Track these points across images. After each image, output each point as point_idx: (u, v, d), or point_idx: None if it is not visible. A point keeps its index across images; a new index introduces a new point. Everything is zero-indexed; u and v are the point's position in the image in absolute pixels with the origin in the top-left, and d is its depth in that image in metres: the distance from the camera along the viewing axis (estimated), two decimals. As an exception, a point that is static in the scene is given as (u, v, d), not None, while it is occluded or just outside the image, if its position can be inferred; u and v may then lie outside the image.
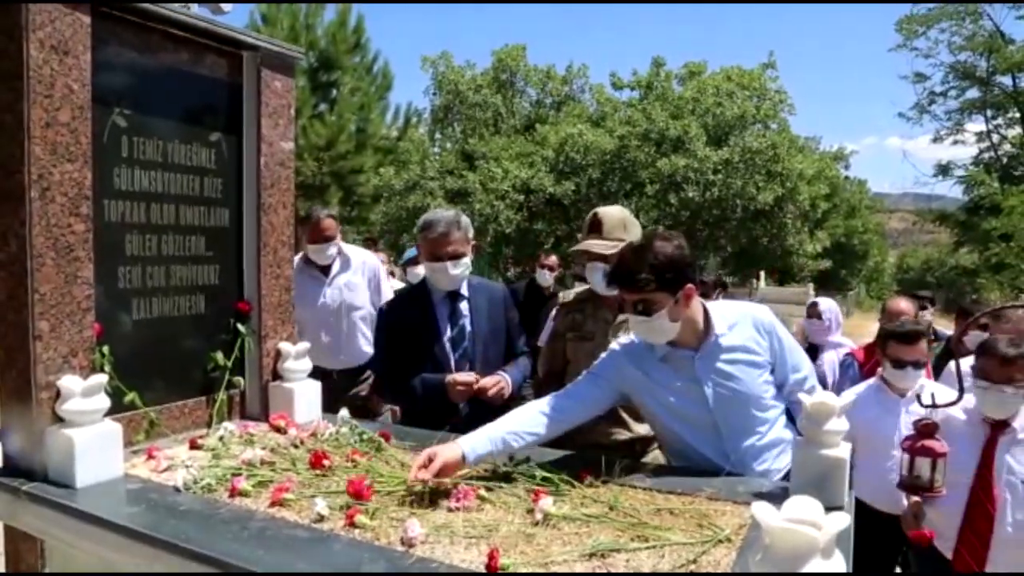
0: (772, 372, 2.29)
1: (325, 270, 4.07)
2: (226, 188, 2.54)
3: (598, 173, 15.71)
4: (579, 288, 2.88)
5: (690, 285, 2.17)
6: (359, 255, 4.28)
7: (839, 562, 1.14)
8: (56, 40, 1.92)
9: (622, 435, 2.60)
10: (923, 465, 2.54)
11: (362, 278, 4.16)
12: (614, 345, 2.36)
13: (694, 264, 2.24)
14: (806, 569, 1.09)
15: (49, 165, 1.92)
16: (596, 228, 2.65)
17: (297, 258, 3.92)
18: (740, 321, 2.28)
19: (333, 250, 4.01)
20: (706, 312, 2.26)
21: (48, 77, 1.91)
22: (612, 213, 2.69)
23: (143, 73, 2.26)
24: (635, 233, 2.66)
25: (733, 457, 2.22)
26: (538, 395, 2.87)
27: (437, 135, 20.34)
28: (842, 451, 1.92)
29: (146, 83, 2.27)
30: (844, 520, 1.11)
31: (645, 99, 17.52)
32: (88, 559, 1.84)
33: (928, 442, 2.53)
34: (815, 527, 1.10)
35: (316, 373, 3.76)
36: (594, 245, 2.61)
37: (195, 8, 2.44)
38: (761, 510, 1.15)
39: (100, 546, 1.76)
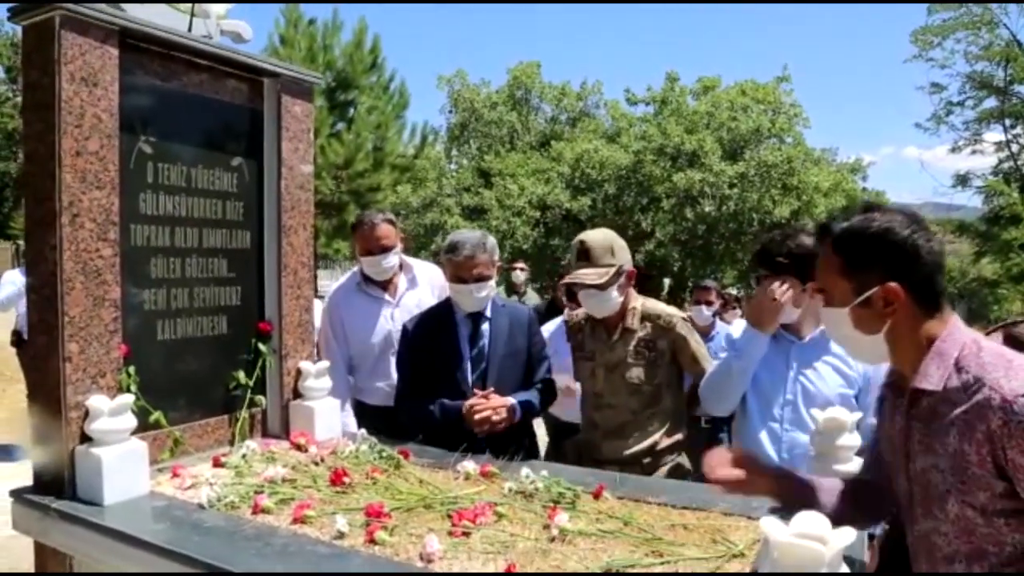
0: (856, 400, 2.39)
1: (388, 288, 3.39)
2: (247, 211, 2.61)
3: (614, 188, 15.76)
4: (583, 309, 2.88)
5: None
6: (425, 270, 3.56)
7: None
8: (86, 72, 1.99)
9: (630, 449, 2.62)
10: None
11: (433, 298, 3.39)
12: (734, 325, 2.64)
13: None
14: (813, 583, 1.12)
15: (79, 192, 1.99)
16: (584, 257, 2.63)
17: (347, 277, 3.55)
18: None
19: (392, 261, 3.29)
20: None
21: (78, 108, 1.98)
22: (598, 239, 2.66)
23: (168, 101, 2.34)
24: (623, 256, 2.66)
25: (785, 446, 2.38)
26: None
27: (453, 152, 20.49)
28: (854, 466, 1.94)
29: (170, 111, 2.35)
30: (850, 535, 1.14)
31: (660, 114, 17.56)
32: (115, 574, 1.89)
33: None
34: (822, 542, 1.13)
35: (381, 415, 3.11)
36: (587, 276, 2.59)
37: (217, 38, 2.52)
38: (770, 525, 1.18)
39: (127, 562, 1.81)
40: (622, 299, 2.66)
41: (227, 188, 2.54)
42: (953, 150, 26.43)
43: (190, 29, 2.41)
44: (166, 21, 2.30)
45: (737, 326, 2.73)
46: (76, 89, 1.97)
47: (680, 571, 1.62)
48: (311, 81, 2.73)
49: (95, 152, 2.03)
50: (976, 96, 25.66)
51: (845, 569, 1.17)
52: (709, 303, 5.24)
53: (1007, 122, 25.25)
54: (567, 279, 2.67)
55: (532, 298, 6.97)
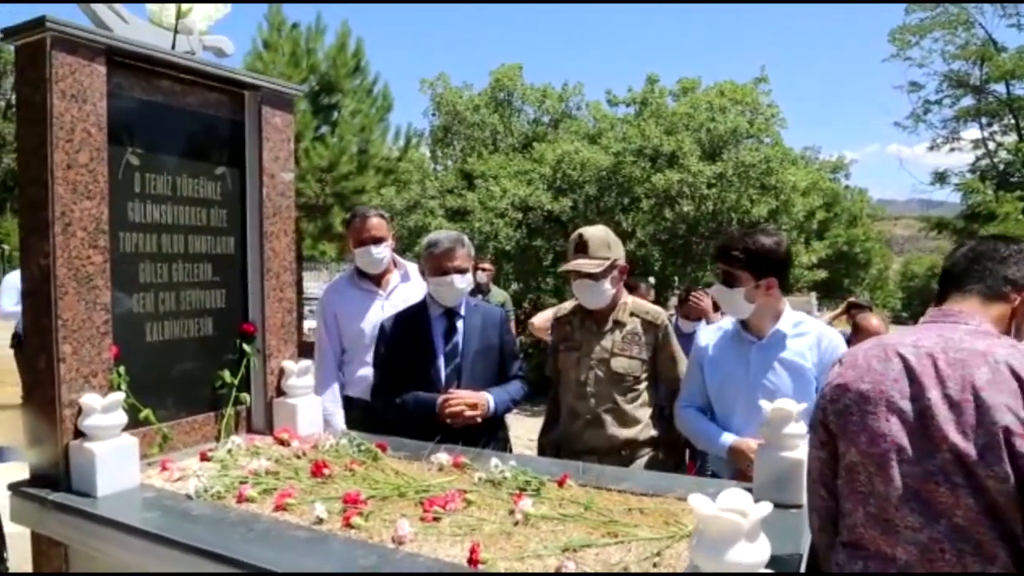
0: (817, 391, 2.49)
1: (380, 283, 3.54)
2: (231, 218, 2.73)
3: (595, 189, 15.83)
4: (572, 302, 3.05)
5: (774, 278, 2.50)
6: (417, 269, 3.54)
7: (763, 545, 1.31)
8: (76, 89, 2.11)
9: (610, 437, 2.77)
10: None
11: (423, 295, 3.41)
12: (700, 331, 2.80)
13: (786, 263, 2.58)
14: (733, 550, 1.27)
15: (70, 203, 2.11)
16: (582, 248, 2.81)
17: (342, 274, 3.68)
18: (809, 332, 2.56)
19: (383, 252, 3.43)
20: (784, 310, 2.60)
21: (69, 123, 2.10)
22: (596, 233, 2.85)
23: (153, 114, 2.46)
24: (617, 251, 2.85)
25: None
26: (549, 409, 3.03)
27: (437, 154, 20.52)
28: (800, 453, 2.08)
29: (156, 123, 2.47)
30: (767, 508, 1.28)
31: (640, 115, 17.67)
32: (109, 561, 2.01)
33: None
34: (741, 515, 1.28)
35: (363, 408, 3.28)
36: (583, 265, 2.77)
37: (200, 53, 2.64)
38: (697, 500, 1.32)
39: (120, 549, 1.94)
40: (614, 292, 2.84)
41: (211, 196, 2.67)
42: (932, 148, 26.77)
43: (174, 46, 2.52)
44: (151, 38, 2.42)
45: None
46: (67, 105, 2.09)
47: (632, 550, 1.76)
48: (290, 93, 2.86)
49: (85, 164, 2.15)
50: (953, 95, 26.00)
51: (763, 538, 1.32)
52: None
53: (983, 120, 25.60)
54: (565, 267, 2.85)
55: (497, 295, 7.34)
